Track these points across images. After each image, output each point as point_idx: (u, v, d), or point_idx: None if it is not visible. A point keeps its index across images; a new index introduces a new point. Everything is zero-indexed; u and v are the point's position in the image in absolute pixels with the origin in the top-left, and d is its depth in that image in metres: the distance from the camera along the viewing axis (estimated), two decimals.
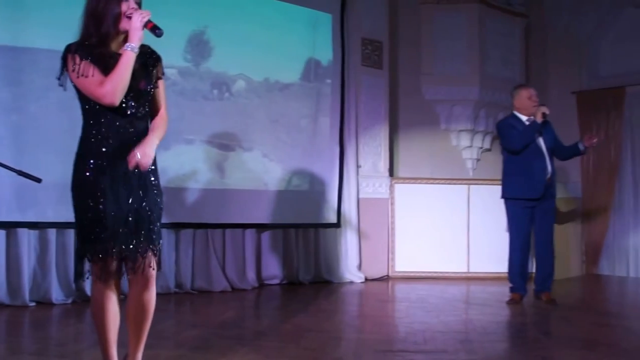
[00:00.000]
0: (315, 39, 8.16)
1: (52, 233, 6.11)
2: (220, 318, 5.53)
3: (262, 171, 7.58)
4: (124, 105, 3.10)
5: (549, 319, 5.76)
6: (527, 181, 6.40)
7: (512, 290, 6.57)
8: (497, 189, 6.70)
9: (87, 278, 3.19)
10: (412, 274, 8.56)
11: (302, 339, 4.65)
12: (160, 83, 3.32)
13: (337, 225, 8.25)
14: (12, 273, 5.91)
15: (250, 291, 7.27)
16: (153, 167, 3.24)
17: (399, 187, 8.75)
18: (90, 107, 3.10)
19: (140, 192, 3.17)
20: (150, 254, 3.18)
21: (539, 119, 6.37)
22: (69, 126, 5.64)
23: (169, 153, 6.61)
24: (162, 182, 3.34)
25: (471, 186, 8.79)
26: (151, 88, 3.24)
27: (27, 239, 5.98)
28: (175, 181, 6.82)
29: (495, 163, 6.80)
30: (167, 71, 3.54)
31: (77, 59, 3.03)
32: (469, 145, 9.24)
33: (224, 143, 7.30)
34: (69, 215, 3.26)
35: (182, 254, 7.02)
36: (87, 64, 3.03)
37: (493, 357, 4.21)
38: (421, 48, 9.14)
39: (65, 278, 6.16)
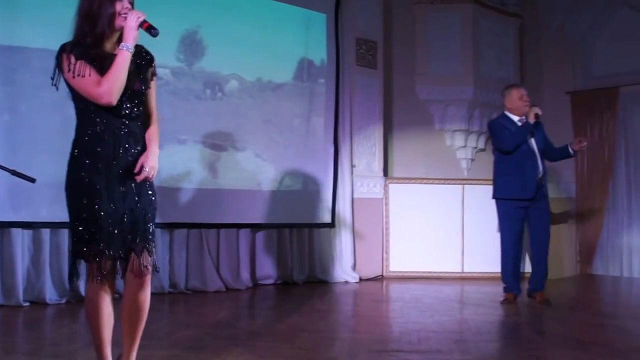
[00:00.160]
0: (308, 38, 8.16)
1: (46, 233, 6.09)
2: (214, 318, 5.52)
3: (255, 171, 7.58)
4: (119, 105, 3.10)
5: (543, 319, 5.76)
6: (519, 181, 6.40)
7: (505, 290, 6.58)
8: (491, 189, 6.70)
9: (81, 277, 3.18)
10: (406, 274, 8.57)
11: (297, 338, 4.64)
12: (153, 84, 3.33)
13: (332, 225, 8.26)
14: (5, 273, 5.89)
15: (245, 291, 7.26)
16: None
17: (393, 187, 8.75)
18: (85, 107, 3.10)
19: (135, 192, 3.18)
20: (145, 254, 3.18)
21: (532, 120, 6.38)
22: (61, 126, 5.67)
23: (162, 153, 6.47)
24: (155, 182, 3.33)
25: (465, 186, 8.81)
26: (145, 88, 3.24)
27: (21, 239, 5.96)
28: (169, 181, 6.81)
29: (489, 163, 6.80)
30: (160, 71, 3.54)
31: (73, 59, 3.03)
32: (463, 145, 9.26)
33: (217, 143, 7.29)
34: (62, 215, 3.25)
35: (176, 254, 7.01)
36: (83, 64, 3.02)
37: (487, 357, 4.21)
38: (415, 48, 9.16)
39: (59, 278, 6.15)
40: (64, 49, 3.07)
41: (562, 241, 9.12)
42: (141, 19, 3.08)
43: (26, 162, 5.40)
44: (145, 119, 3.29)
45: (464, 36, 9.06)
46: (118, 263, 3.14)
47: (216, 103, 7.35)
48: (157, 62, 3.36)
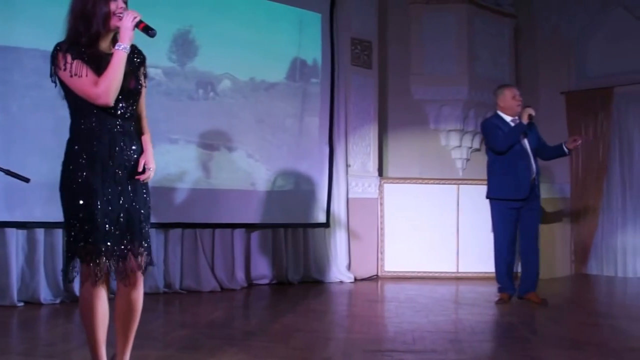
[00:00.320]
0: (301, 38, 8.14)
1: (40, 233, 6.08)
2: (209, 318, 5.52)
3: (248, 171, 7.57)
4: (114, 104, 3.10)
5: (538, 319, 5.77)
6: (513, 181, 6.41)
7: (500, 290, 6.59)
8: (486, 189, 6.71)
9: (76, 277, 3.17)
10: (401, 274, 8.57)
11: (291, 338, 4.64)
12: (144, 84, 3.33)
13: (327, 225, 8.25)
14: (0, 273, 5.87)
15: (239, 291, 7.26)
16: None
17: (388, 187, 8.75)
18: (80, 106, 3.09)
19: (131, 191, 3.19)
20: (141, 253, 3.18)
21: (525, 121, 6.39)
22: (54, 126, 5.67)
23: (154, 153, 6.56)
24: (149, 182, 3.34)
25: (460, 186, 8.81)
26: (140, 88, 3.25)
27: (15, 239, 5.94)
28: (161, 181, 6.77)
29: (484, 163, 6.80)
30: (152, 71, 3.56)
31: (69, 58, 3.02)
32: (458, 145, 9.26)
33: (209, 143, 7.27)
34: (57, 215, 3.25)
35: (170, 254, 7.00)
36: (80, 64, 3.02)
37: (482, 357, 4.22)
38: (410, 48, 9.17)
39: (54, 278, 6.13)
40: (59, 48, 3.06)
41: (557, 241, 9.15)
42: (137, 19, 3.07)
43: (19, 162, 5.36)
44: (136, 119, 3.30)
45: (459, 36, 9.07)
46: (112, 262, 3.14)
47: (209, 103, 7.33)
48: (149, 62, 3.37)
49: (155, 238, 6.74)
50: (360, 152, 8.64)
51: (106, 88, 3.02)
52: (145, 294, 3.31)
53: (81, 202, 3.04)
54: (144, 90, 3.32)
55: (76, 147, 3.09)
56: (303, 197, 8.06)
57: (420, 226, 8.63)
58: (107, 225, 3.07)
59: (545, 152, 6.71)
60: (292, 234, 8.04)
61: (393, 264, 8.64)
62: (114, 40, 3.14)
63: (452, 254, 8.71)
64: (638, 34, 9.05)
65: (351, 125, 8.54)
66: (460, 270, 8.69)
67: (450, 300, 6.98)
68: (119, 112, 3.14)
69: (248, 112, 7.61)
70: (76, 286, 5.83)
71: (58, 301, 6.08)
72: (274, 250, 7.85)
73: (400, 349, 4.34)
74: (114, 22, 3.09)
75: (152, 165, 3.26)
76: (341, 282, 8.11)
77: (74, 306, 5.56)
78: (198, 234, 7.19)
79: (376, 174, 8.77)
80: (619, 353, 4.29)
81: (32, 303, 5.96)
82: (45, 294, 6.05)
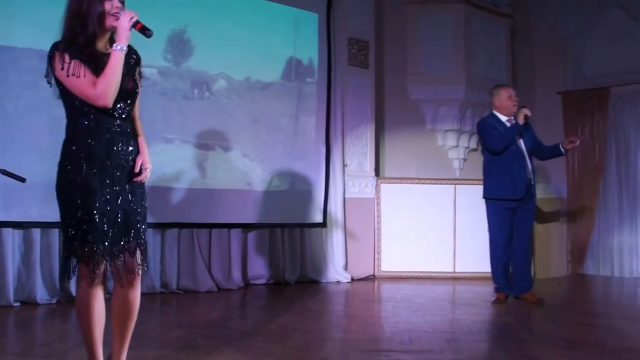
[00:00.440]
0: (296, 38, 8.14)
1: (36, 233, 6.07)
2: (205, 318, 5.52)
3: (243, 171, 7.56)
4: (113, 105, 3.10)
5: (534, 319, 5.77)
6: (509, 182, 6.42)
7: (497, 290, 6.60)
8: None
9: (73, 277, 3.16)
10: (398, 274, 8.57)
11: (288, 338, 4.64)
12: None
13: (323, 225, 8.25)
14: None
15: (236, 291, 7.26)
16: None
17: (385, 187, 8.76)
18: (77, 106, 3.08)
19: (129, 191, 3.19)
20: (138, 253, 3.18)
21: (521, 121, 6.39)
22: (49, 125, 5.66)
23: (149, 152, 6.54)
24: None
25: (457, 186, 8.82)
26: (137, 88, 3.25)
27: (12, 239, 5.93)
28: (157, 181, 6.76)
29: (481, 163, 6.80)
30: (147, 70, 3.56)
31: (67, 58, 3.01)
32: (455, 145, 9.26)
33: (205, 143, 7.27)
34: (53, 215, 3.24)
35: (167, 254, 6.99)
36: (78, 64, 3.01)
37: (479, 357, 4.21)
38: (407, 48, 9.17)
39: (50, 278, 6.12)
40: (57, 47, 3.06)
41: (553, 241, 9.17)
42: (134, 20, 3.07)
43: (15, 161, 5.36)
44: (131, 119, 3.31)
45: (455, 36, 9.07)
46: (110, 262, 3.13)
47: (204, 103, 7.32)
48: (144, 61, 3.37)
49: (152, 238, 6.74)
50: (357, 152, 8.64)
51: (105, 89, 3.01)
52: (142, 294, 3.31)
53: (79, 201, 3.04)
54: (139, 91, 3.31)
55: (74, 147, 3.08)
56: (300, 197, 8.06)
57: (417, 226, 8.64)
58: (105, 225, 3.07)
59: (542, 152, 6.72)
60: (288, 234, 8.04)
61: (390, 264, 8.64)
62: (111, 40, 3.14)
63: (449, 254, 8.72)
64: (634, 34, 9.06)
65: (348, 125, 8.54)
66: (457, 270, 8.70)
67: (447, 300, 6.98)
68: (116, 112, 3.14)
69: (243, 111, 7.60)
70: (72, 286, 5.81)
71: (54, 301, 6.08)
72: (270, 250, 7.85)
73: (397, 349, 4.34)
74: (109, 21, 3.09)
75: (149, 166, 3.28)
76: (338, 282, 8.11)
77: (71, 306, 5.55)
78: (195, 234, 7.19)
79: (373, 173, 8.77)
80: (615, 353, 4.29)
81: (29, 303, 5.95)
82: (41, 294, 6.04)
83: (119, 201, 3.13)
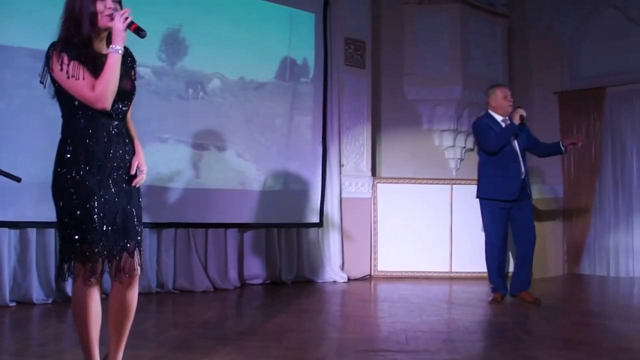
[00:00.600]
0: (291, 37, 8.13)
1: (32, 232, 6.06)
2: (202, 318, 5.51)
3: (238, 171, 7.55)
4: (111, 105, 3.09)
5: (531, 319, 5.78)
6: (504, 182, 6.43)
7: (493, 290, 6.60)
8: None
9: (69, 278, 3.16)
10: (394, 274, 8.58)
11: (284, 338, 4.64)
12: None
13: (320, 225, 8.25)
14: None
15: (233, 291, 7.25)
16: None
17: (382, 187, 8.76)
18: (76, 107, 3.08)
19: (126, 192, 3.20)
20: (136, 253, 3.19)
21: (517, 121, 6.41)
22: (43, 125, 5.65)
23: (143, 152, 6.53)
24: None
25: (454, 186, 8.82)
26: (134, 88, 3.26)
27: (7, 239, 5.92)
28: (152, 181, 6.72)
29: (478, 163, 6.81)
30: (141, 70, 3.56)
31: (66, 59, 3.00)
32: (451, 145, 9.26)
33: (199, 142, 7.25)
34: (49, 215, 3.23)
35: (163, 254, 6.98)
36: (77, 65, 3.01)
37: (475, 357, 4.22)
38: (404, 48, 9.16)
39: (46, 278, 6.11)
40: (54, 47, 3.05)
41: (549, 241, 9.17)
42: (128, 21, 3.06)
43: (10, 161, 5.34)
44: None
45: (452, 36, 9.07)
46: (107, 262, 3.13)
47: (198, 102, 7.30)
48: (138, 61, 3.38)
49: (148, 238, 6.74)
50: (354, 152, 8.64)
51: (104, 91, 3.01)
52: (138, 294, 3.31)
53: (78, 201, 3.03)
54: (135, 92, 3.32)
55: (71, 147, 3.07)
56: (296, 197, 8.06)
57: (414, 226, 8.64)
58: (104, 225, 3.07)
59: (541, 149, 6.75)
60: (285, 234, 8.03)
61: (386, 263, 8.64)
62: (108, 41, 3.13)
63: (446, 254, 8.72)
64: (630, 34, 9.07)
65: (344, 125, 8.54)
66: (453, 270, 8.70)
67: (443, 300, 6.99)
68: (114, 113, 3.14)
69: (237, 111, 7.60)
70: (68, 286, 5.82)
71: (50, 301, 6.07)
72: (267, 250, 7.84)
73: (393, 349, 4.34)
74: (103, 22, 3.08)
75: (144, 168, 3.28)
76: (334, 282, 8.11)
77: (66, 306, 5.54)
78: (191, 233, 7.18)
79: (369, 173, 8.77)
80: (611, 353, 4.29)
81: (25, 303, 5.94)
82: (37, 294, 6.03)
83: (117, 201, 3.14)
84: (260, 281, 7.75)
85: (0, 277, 5.82)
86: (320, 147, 8.26)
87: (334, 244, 8.33)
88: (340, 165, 8.46)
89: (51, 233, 6.07)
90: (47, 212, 3.27)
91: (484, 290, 7.22)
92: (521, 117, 6.42)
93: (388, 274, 8.60)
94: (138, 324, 3.68)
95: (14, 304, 5.89)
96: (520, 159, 6.50)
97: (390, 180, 8.84)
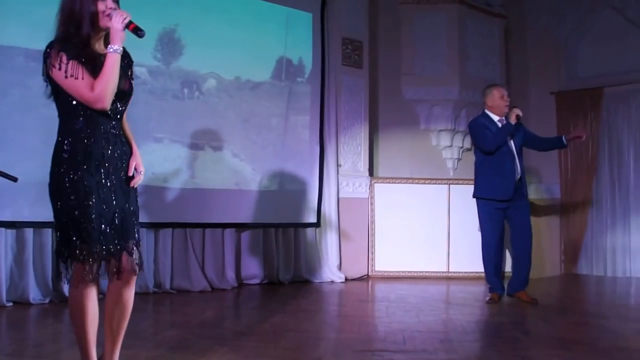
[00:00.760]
0: (287, 37, 8.12)
1: (29, 232, 6.05)
2: (199, 318, 5.50)
3: (233, 170, 7.55)
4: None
5: (528, 319, 5.78)
6: (498, 183, 6.45)
7: (490, 290, 6.61)
8: None
9: (67, 278, 3.15)
10: (392, 274, 8.58)
11: (282, 338, 4.64)
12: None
13: (317, 225, 8.25)
14: None
15: (230, 291, 7.25)
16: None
17: (379, 187, 8.76)
18: (74, 107, 3.07)
19: (123, 192, 3.19)
20: (135, 252, 3.19)
21: (513, 121, 6.42)
22: (39, 125, 5.63)
23: (139, 152, 6.52)
24: None
25: (451, 186, 8.82)
26: (132, 89, 3.26)
27: (4, 239, 5.92)
28: (148, 180, 6.69)
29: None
30: (137, 69, 3.54)
31: (64, 58, 2.99)
32: (449, 145, 9.26)
33: (195, 142, 7.25)
34: (45, 215, 3.23)
35: (160, 254, 6.98)
36: (76, 65, 3.00)
37: (472, 357, 4.21)
38: (401, 48, 9.16)
39: (43, 278, 6.11)
40: (52, 47, 3.04)
41: (546, 241, 9.18)
42: (127, 20, 3.06)
43: (6, 161, 5.32)
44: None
45: (449, 36, 9.07)
46: (105, 262, 3.12)
47: (194, 102, 7.30)
48: (134, 60, 3.37)
49: (146, 238, 6.73)
50: (351, 152, 8.64)
51: (103, 91, 3.00)
52: (135, 294, 3.31)
53: (76, 201, 3.03)
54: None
55: (69, 147, 3.06)
56: (293, 197, 8.05)
57: (411, 226, 8.65)
58: (102, 225, 3.06)
59: (541, 143, 6.78)
60: (282, 233, 8.03)
61: (384, 263, 8.64)
62: (106, 41, 3.12)
63: (443, 254, 8.73)
64: (628, 35, 9.08)
65: (342, 125, 8.54)
66: (450, 270, 8.71)
67: (440, 300, 6.98)
68: (112, 113, 3.13)
69: (233, 111, 7.59)
70: (65, 286, 5.80)
71: (47, 301, 6.06)
72: (264, 250, 7.84)
73: (390, 349, 4.34)
74: (103, 22, 3.07)
75: (142, 169, 3.30)
76: (332, 282, 8.11)
77: (63, 306, 5.54)
78: (188, 233, 7.18)
79: (367, 173, 8.77)
80: (608, 353, 4.29)
81: (21, 303, 5.93)
82: (34, 294, 6.02)
83: (115, 201, 3.13)
84: (257, 281, 7.75)
85: None
86: (318, 147, 8.26)
87: (331, 244, 8.32)
88: (338, 165, 8.46)
89: (48, 233, 6.06)
90: (44, 212, 3.26)
91: (481, 290, 7.23)
92: (517, 116, 6.43)
93: (385, 273, 8.60)
94: (135, 323, 3.68)
95: (10, 304, 5.89)
96: (516, 159, 6.51)
97: (388, 180, 8.84)
